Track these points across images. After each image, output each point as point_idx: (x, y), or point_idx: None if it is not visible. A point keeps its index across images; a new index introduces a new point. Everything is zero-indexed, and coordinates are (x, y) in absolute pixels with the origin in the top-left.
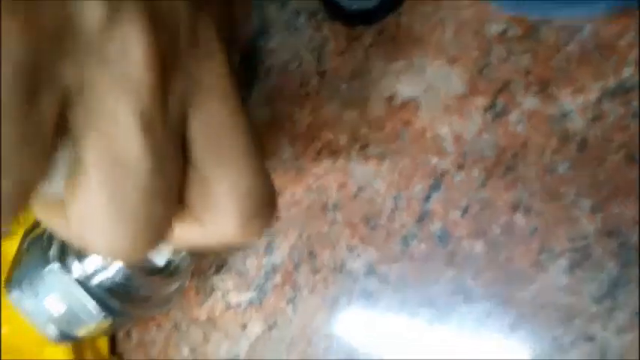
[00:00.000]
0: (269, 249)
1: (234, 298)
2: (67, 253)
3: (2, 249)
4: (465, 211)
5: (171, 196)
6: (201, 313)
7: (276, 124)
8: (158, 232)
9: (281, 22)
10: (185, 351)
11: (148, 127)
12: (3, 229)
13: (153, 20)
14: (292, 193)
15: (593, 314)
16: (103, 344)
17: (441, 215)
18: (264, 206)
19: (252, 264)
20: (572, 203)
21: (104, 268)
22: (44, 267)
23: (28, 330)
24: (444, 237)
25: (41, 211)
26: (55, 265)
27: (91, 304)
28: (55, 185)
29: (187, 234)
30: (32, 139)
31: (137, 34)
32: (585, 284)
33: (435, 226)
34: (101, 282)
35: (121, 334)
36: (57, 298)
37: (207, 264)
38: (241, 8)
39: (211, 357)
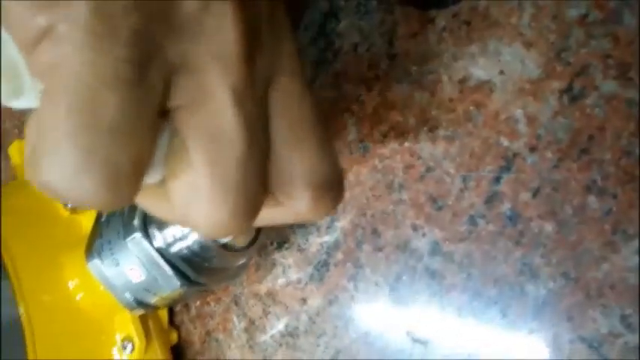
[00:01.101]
0: (331, 226)
1: (294, 274)
2: (148, 222)
3: (78, 223)
4: (537, 192)
5: (263, 170)
6: (261, 288)
7: (342, 105)
8: (255, 207)
9: (351, 5)
10: (243, 324)
11: (240, 100)
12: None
13: (242, 0)
14: (357, 174)
15: None
16: (164, 315)
17: (511, 196)
18: (334, 183)
19: (314, 241)
20: None
21: (182, 238)
22: (126, 237)
23: (101, 297)
24: (513, 217)
25: (140, 196)
26: (138, 235)
27: (170, 272)
28: (153, 169)
29: (265, 212)
30: (144, 110)
31: (230, 13)
32: None
33: (505, 206)
34: (179, 251)
35: (179, 307)
36: (137, 266)
37: (268, 240)
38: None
39: (270, 330)
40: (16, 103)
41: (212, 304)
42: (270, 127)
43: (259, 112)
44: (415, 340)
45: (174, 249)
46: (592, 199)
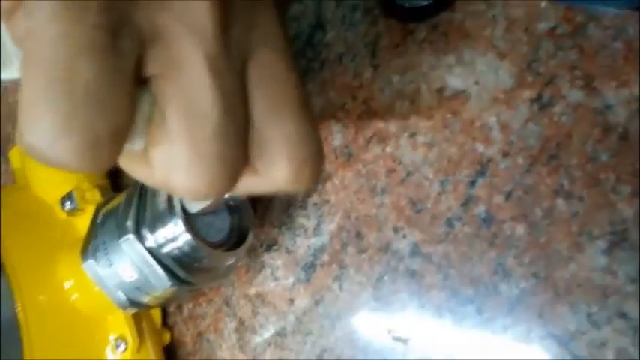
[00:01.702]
0: (318, 229)
1: (283, 275)
2: (141, 224)
3: (74, 225)
4: (509, 195)
5: (241, 139)
6: (251, 289)
7: (328, 113)
8: (232, 173)
9: (338, 18)
10: (234, 324)
11: (216, 71)
12: (71, 206)
13: None
14: (342, 178)
15: (627, 293)
16: (157, 316)
17: (485, 199)
18: (313, 154)
19: (302, 243)
20: (611, 189)
21: (174, 239)
22: (120, 237)
23: (95, 297)
24: (487, 220)
25: (125, 161)
26: (131, 235)
27: (161, 272)
28: (136, 136)
29: (245, 182)
30: (119, 77)
31: None
32: (621, 265)
33: (480, 209)
34: (170, 251)
35: (172, 308)
36: (130, 266)
37: (258, 242)
38: None
39: (259, 329)
40: (5, 74)
41: (204, 305)
42: (250, 99)
43: (237, 83)
44: (396, 339)
45: (166, 249)
46: (560, 202)
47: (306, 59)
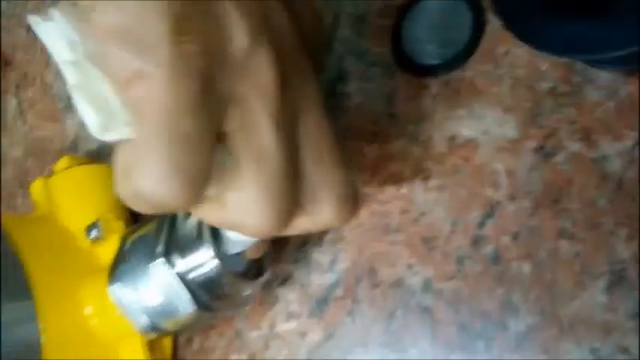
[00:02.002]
0: (333, 265)
1: (296, 308)
2: (171, 250)
3: (97, 254)
4: (515, 236)
5: (296, 183)
6: (263, 322)
7: (347, 156)
8: (291, 211)
9: (358, 71)
10: (244, 357)
11: (278, 126)
12: (96, 234)
13: (276, 44)
14: (357, 217)
15: (628, 329)
16: (167, 347)
17: (493, 239)
18: (352, 197)
19: (316, 278)
20: (610, 232)
21: (202, 264)
22: (150, 262)
23: (114, 323)
24: (495, 259)
25: (198, 207)
26: (162, 260)
27: (188, 297)
28: (211, 184)
29: (299, 222)
30: (209, 130)
31: (268, 55)
32: (621, 302)
33: (488, 249)
34: (197, 276)
35: (182, 341)
36: (156, 290)
37: (273, 276)
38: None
39: None
40: (106, 136)
41: (214, 338)
42: (300, 151)
43: (291, 137)
44: None
45: (193, 274)
46: (563, 243)
47: (328, 108)
